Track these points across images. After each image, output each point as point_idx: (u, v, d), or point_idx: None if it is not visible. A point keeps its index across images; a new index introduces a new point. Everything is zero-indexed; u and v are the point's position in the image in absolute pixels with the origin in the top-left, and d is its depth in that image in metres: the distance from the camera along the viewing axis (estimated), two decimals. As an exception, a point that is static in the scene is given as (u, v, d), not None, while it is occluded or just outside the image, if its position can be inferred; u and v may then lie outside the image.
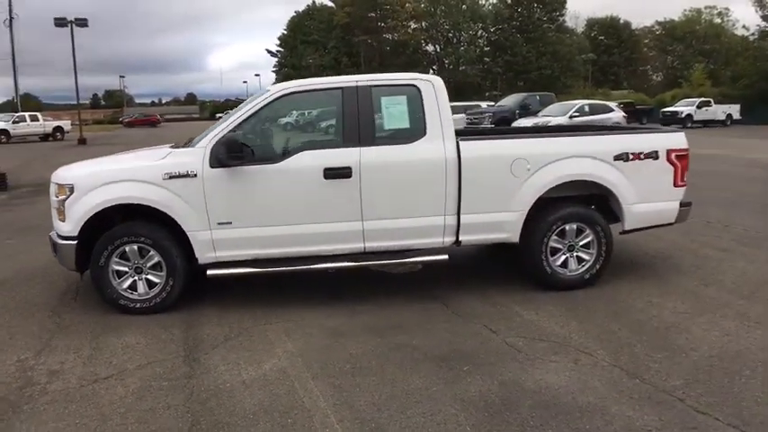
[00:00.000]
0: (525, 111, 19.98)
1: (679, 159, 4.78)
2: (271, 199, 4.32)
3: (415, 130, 4.44)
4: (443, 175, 4.40)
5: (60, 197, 4.32)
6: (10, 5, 29.66)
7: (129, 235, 4.27)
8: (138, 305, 4.34)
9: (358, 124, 4.38)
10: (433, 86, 4.49)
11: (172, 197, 4.22)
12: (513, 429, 2.75)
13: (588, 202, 4.87)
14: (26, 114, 34.62)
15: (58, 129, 34.84)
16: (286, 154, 4.35)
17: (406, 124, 4.48)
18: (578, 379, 3.22)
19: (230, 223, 4.30)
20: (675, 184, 4.81)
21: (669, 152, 4.74)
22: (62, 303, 4.59)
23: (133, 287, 4.35)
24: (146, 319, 4.26)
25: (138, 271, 4.34)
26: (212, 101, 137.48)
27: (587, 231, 4.70)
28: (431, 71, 58.97)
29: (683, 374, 3.23)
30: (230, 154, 4.11)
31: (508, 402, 2.99)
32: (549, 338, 3.79)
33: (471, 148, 4.49)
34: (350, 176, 4.29)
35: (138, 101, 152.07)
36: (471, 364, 3.44)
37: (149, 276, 4.36)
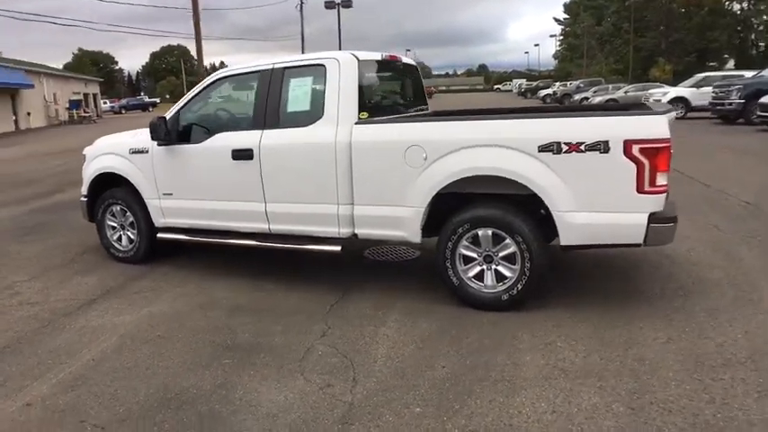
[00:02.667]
0: (796, 80, 14.70)
1: (647, 154, 3.31)
2: (196, 175, 4.73)
3: (315, 112, 4.21)
4: (333, 161, 4.08)
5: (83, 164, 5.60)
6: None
7: (112, 198, 5.29)
8: (121, 255, 5.37)
9: (265, 107, 4.40)
10: (338, 65, 4.15)
11: (134, 169, 5.04)
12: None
13: (536, 205, 3.82)
14: None
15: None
16: (209, 135, 4.67)
17: (307, 106, 4.28)
18: (289, 399, 2.81)
19: (172, 194, 4.91)
20: (640, 190, 3.36)
21: (628, 144, 3.32)
22: (97, 247, 5.93)
23: (120, 240, 5.40)
24: (121, 267, 5.25)
25: (122, 227, 5.35)
26: (496, 72, 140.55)
27: (507, 241, 3.72)
28: (735, 34, 47.91)
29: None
30: (152, 134, 4.68)
31: (159, 405, 2.88)
32: (347, 355, 3.29)
33: (364, 132, 4.02)
34: (252, 158, 4.38)
35: (435, 72, 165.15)
36: (217, 362, 3.32)
37: (128, 233, 5.33)
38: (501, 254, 3.77)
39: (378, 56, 4.64)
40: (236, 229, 4.68)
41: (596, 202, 3.47)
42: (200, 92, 4.80)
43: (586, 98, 32.41)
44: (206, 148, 4.61)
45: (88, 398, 2.97)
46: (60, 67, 63.22)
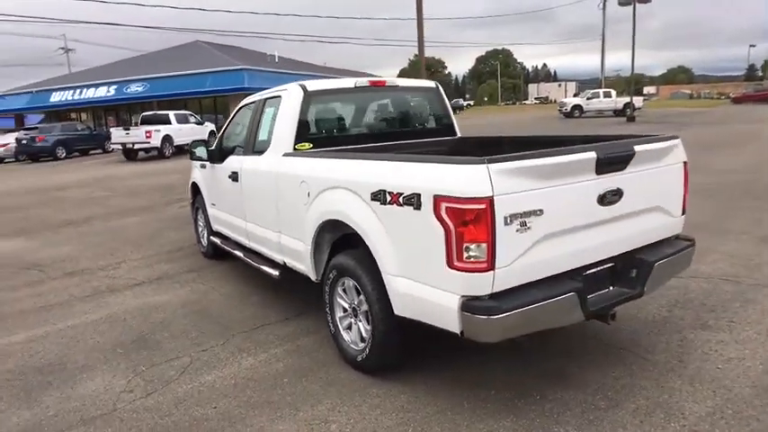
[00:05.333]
0: None
1: (453, 217, 2.48)
2: (219, 191, 5.50)
3: (269, 141, 4.43)
4: (267, 190, 4.26)
5: (195, 173, 7.00)
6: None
7: (196, 202, 6.52)
8: (203, 250, 6.58)
9: (249, 135, 4.83)
10: (289, 96, 4.27)
11: (202, 179, 6.13)
12: None
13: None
14: (600, 91, 39.07)
15: (628, 105, 36.59)
16: (226, 156, 5.32)
17: (266, 136, 4.51)
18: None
19: (215, 204, 5.81)
20: (449, 263, 2.52)
21: (437, 200, 2.55)
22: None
23: (203, 236, 6.61)
24: (197, 260, 6.42)
25: (204, 227, 6.55)
26: None
27: (362, 296, 3.29)
28: None
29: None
30: (190, 155, 5.61)
31: (29, 372, 3.67)
32: (174, 376, 3.50)
33: (284, 164, 4.06)
34: (237, 180, 4.89)
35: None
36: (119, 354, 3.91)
37: (206, 231, 6.48)
38: (362, 309, 3.35)
39: (350, 83, 4.52)
40: (238, 240, 5.26)
41: (414, 270, 2.78)
42: (233, 116, 5.54)
43: None
44: (223, 167, 5.32)
45: (13, 350, 4.03)
46: (396, 73, 75.15)
